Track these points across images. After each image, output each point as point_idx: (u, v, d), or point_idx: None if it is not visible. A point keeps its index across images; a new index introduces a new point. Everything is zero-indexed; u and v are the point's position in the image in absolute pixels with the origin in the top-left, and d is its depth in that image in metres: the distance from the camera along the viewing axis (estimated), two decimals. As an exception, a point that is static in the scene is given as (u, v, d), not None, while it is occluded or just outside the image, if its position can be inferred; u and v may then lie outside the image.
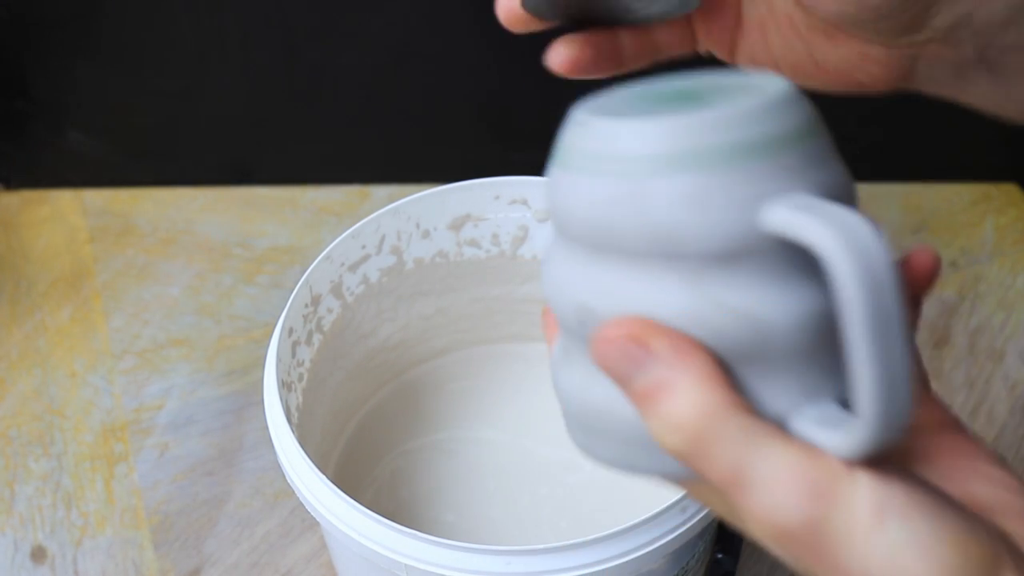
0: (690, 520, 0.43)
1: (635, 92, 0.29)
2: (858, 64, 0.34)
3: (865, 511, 0.25)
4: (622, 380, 0.27)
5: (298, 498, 0.46)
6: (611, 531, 0.42)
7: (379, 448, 0.61)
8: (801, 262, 0.26)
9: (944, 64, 0.33)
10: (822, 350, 0.27)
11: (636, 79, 0.31)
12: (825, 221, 0.24)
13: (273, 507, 0.61)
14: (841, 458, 0.25)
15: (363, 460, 0.60)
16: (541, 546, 0.41)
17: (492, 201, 0.57)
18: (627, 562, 0.42)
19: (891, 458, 0.27)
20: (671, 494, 0.43)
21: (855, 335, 0.24)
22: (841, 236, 0.24)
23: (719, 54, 0.38)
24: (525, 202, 0.57)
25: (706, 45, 0.38)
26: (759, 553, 0.59)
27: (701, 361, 0.26)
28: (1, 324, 0.71)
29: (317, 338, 0.55)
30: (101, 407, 0.66)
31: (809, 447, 0.26)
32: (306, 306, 0.53)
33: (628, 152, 0.26)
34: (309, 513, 0.45)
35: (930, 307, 0.72)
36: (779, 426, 0.26)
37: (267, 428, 0.47)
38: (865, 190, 0.85)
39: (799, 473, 0.25)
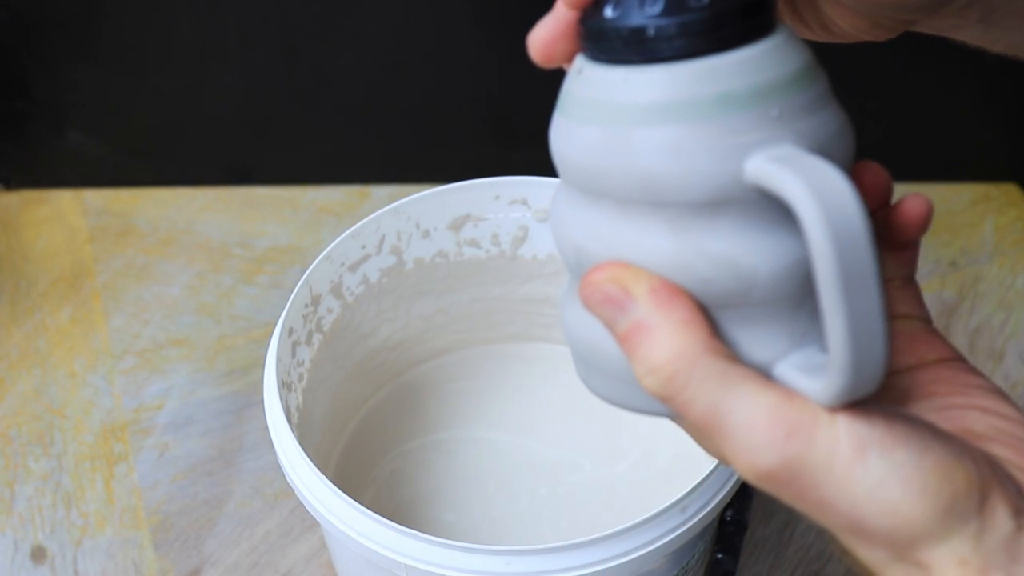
0: (690, 520, 0.43)
1: None
2: (868, 31, 0.34)
3: (845, 447, 0.25)
4: (607, 322, 0.28)
5: (298, 498, 0.46)
6: (611, 531, 0.42)
7: (379, 448, 0.61)
8: (787, 213, 0.26)
9: (945, 23, 0.33)
10: (808, 298, 0.27)
11: None
12: (798, 173, 0.24)
13: (273, 507, 0.61)
14: (819, 404, 0.26)
15: (363, 460, 0.60)
16: (541, 546, 0.41)
17: (492, 201, 0.57)
18: (627, 562, 0.42)
19: (883, 396, 0.27)
20: (671, 494, 0.43)
21: (825, 288, 0.24)
22: (813, 188, 0.24)
23: None
24: (525, 202, 0.57)
25: None
26: (759, 553, 0.59)
27: (681, 305, 0.27)
28: (1, 324, 0.71)
29: (317, 338, 0.55)
30: (101, 407, 0.66)
31: (788, 391, 0.26)
32: (306, 306, 0.53)
33: (615, 101, 0.26)
34: (309, 513, 0.45)
35: (930, 307, 0.71)
36: (761, 372, 0.27)
37: (267, 428, 0.47)
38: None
39: (776, 414, 0.26)
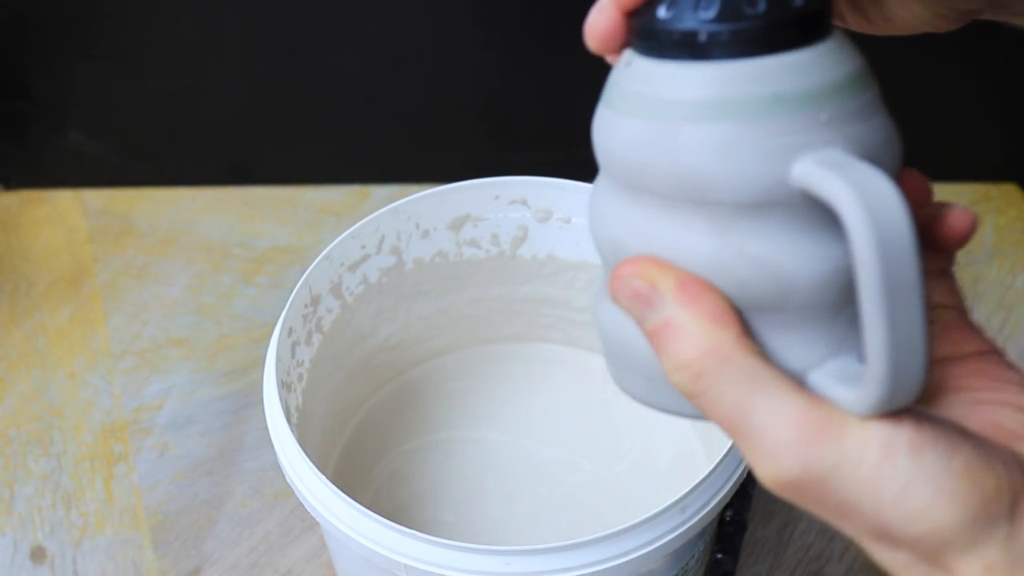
0: (690, 520, 0.43)
1: None
2: (931, 21, 0.33)
3: (874, 449, 0.25)
4: (636, 318, 0.28)
5: (298, 498, 0.46)
6: (611, 531, 0.42)
7: (379, 448, 0.61)
8: (831, 218, 0.25)
9: (1008, 12, 0.32)
10: (846, 307, 0.26)
11: None
12: (846, 178, 0.24)
13: (273, 507, 0.61)
14: (852, 413, 0.25)
15: (363, 460, 0.60)
16: (541, 546, 0.41)
17: (492, 201, 0.57)
18: (627, 562, 0.42)
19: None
20: (671, 494, 0.43)
21: (867, 297, 0.24)
22: (861, 195, 0.23)
23: None
24: (525, 202, 0.57)
25: None
26: (759, 553, 0.59)
27: (710, 302, 0.26)
28: (1, 324, 0.71)
29: (317, 338, 0.55)
30: (101, 407, 0.66)
31: (818, 398, 0.26)
32: (306, 306, 0.53)
33: (664, 96, 0.26)
34: (309, 513, 0.45)
35: (930, 307, 0.71)
36: (795, 378, 0.26)
37: (267, 428, 0.47)
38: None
39: (804, 417, 0.25)
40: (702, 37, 0.26)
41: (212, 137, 0.78)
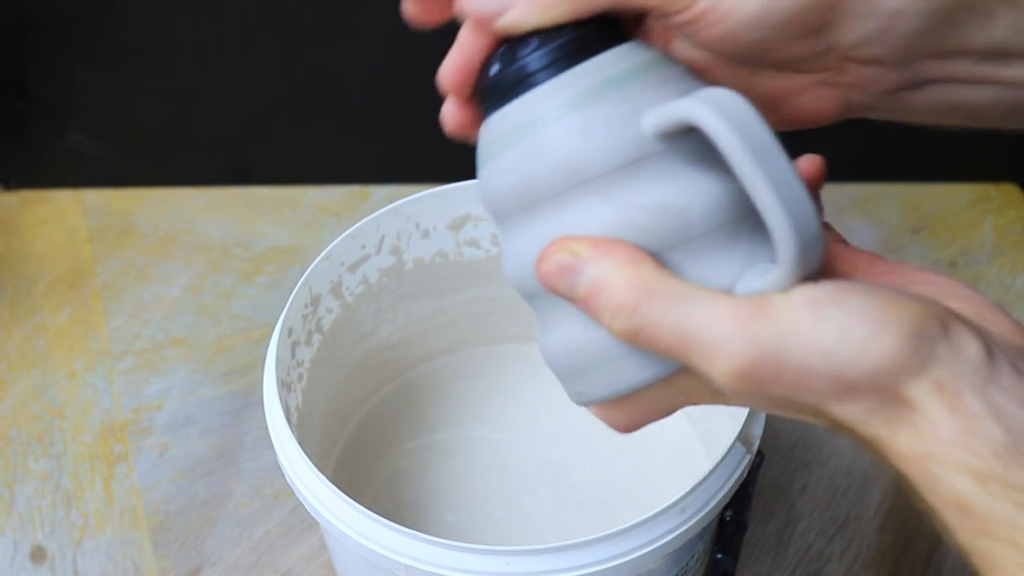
0: (690, 520, 0.43)
1: None
2: (786, 97, 0.35)
3: (802, 310, 0.27)
4: (569, 294, 0.30)
5: (298, 498, 0.46)
6: (611, 531, 0.42)
7: (379, 448, 0.61)
8: (696, 152, 0.30)
9: (875, 90, 0.34)
10: (745, 221, 0.30)
11: None
12: (687, 97, 0.28)
13: (273, 507, 0.61)
14: (775, 294, 0.28)
15: (363, 460, 0.60)
16: (541, 546, 0.41)
17: (492, 201, 0.57)
18: (627, 562, 0.42)
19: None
20: (671, 494, 0.43)
21: (744, 173, 0.27)
22: (706, 99, 0.28)
23: None
24: (525, 202, 0.57)
25: None
26: (759, 553, 0.59)
27: (623, 250, 0.29)
28: (1, 324, 0.71)
29: (317, 338, 0.55)
30: (101, 407, 0.66)
31: (743, 296, 0.29)
32: (306, 306, 0.53)
33: (520, 121, 0.31)
34: (309, 513, 0.45)
35: (930, 307, 0.71)
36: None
37: (267, 428, 0.47)
38: (865, 190, 0.85)
39: (736, 306, 0.28)
40: (531, 67, 0.31)
41: (212, 137, 0.78)
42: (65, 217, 0.77)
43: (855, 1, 0.31)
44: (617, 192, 0.30)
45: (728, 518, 0.55)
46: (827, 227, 0.33)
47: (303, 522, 0.60)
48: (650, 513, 0.42)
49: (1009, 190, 0.79)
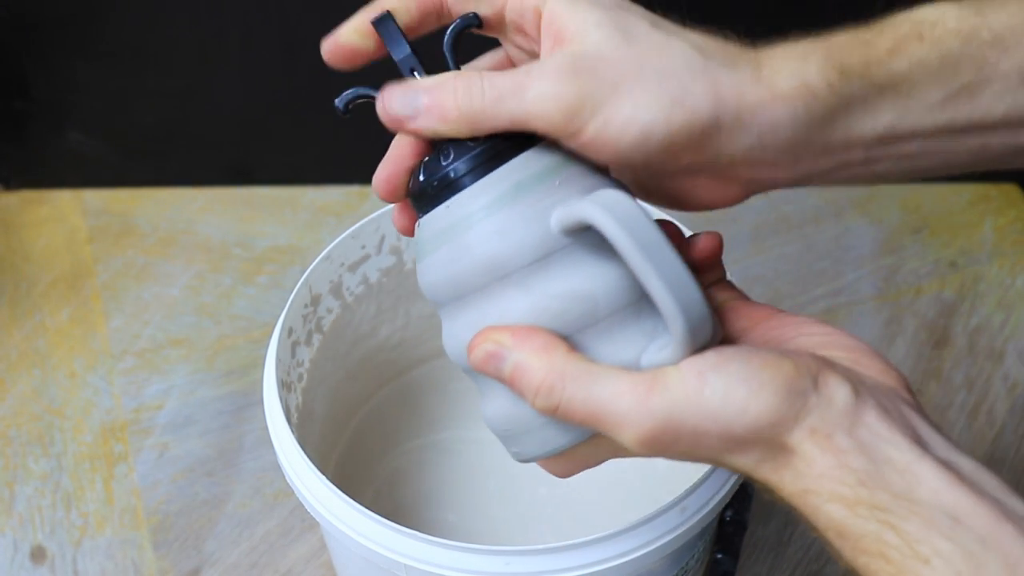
0: (690, 520, 0.43)
1: None
2: (690, 191, 0.37)
3: (691, 379, 0.32)
4: (497, 376, 0.34)
5: (298, 498, 0.46)
6: (611, 531, 0.42)
7: (379, 448, 0.61)
8: (598, 243, 0.33)
9: (771, 183, 0.37)
10: (645, 299, 0.34)
11: None
12: (586, 200, 0.33)
13: (273, 507, 0.61)
14: (668, 367, 0.32)
15: (363, 460, 0.60)
16: (541, 546, 0.41)
17: (492, 201, 0.57)
18: (627, 562, 0.42)
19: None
20: (671, 494, 0.43)
21: (635, 266, 0.31)
22: (598, 201, 0.32)
23: None
24: (525, 202, 0.57)
25: None
26: (759, 553, 0.59)
27: (539, 338, 0.33)
28: (1, 324, 0.71)
29: (317, 338, 0.55)
30: (101, 407, 0.66)
31: (643, 371, 0.33)
32: (306, 306, 0.53)
33: (447, 223, 0.35)
34: (309, 513, 0.45)
35: (930, 307, 0.72)
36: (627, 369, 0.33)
37: (267, 428, 0.47)
38: (865, 190, 0.85)
39: (635, 382, 0.32)
40: (451, 176, 0.35)
41: (212, 137, 0.78)
42: (65, 217, 0.77)
43: (729, 119, 0.34)
44: (532, 283, 0.34)
45: (728, 518, 0.55)
46: (729, 285, 0.38)
47: (303, 522, 0.60)
48: (650, 513, 0.42)
49: (1009, 190, 0.79)
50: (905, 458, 0.30)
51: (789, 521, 0.60)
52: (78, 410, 0.66)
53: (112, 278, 0.74)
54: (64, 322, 0.71)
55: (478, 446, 0.61)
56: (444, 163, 0.35)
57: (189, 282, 0.73)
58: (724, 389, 0.31)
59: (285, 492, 0.61)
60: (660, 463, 0.59)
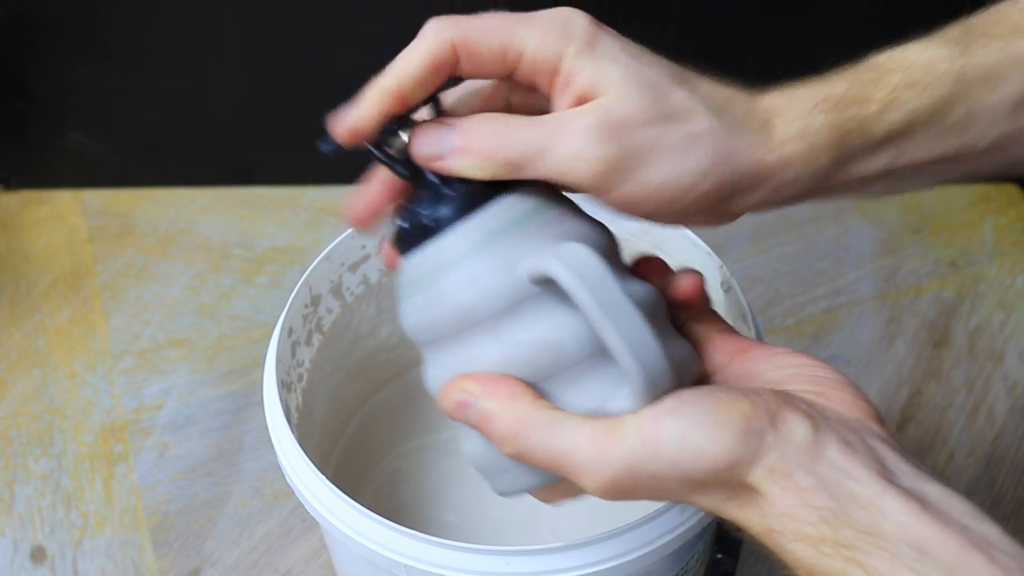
0: (690, 520, 0.43)
1: None
2: (693, 222, 0.38)
3: (647, 425, 0.32)
4: (468, 423, 0.35)
5: (298, 498, 0.46)
6: (611, 531, 0.42)
7: (379, 448, 0.61)
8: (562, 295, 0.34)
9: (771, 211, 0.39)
10: None
11: None
12: (548, 255, 0.33)
13: (273, 507, 0.61)
14: (627, 416, 0.33)
15: (363, 460, 0.60)
16: (541, 546, 0.41)
17: (492, 201, 0.57)
18: (627, 562, 0.42)
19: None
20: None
21: (594, 321, 0.32)
22: (562, 257, 0.33)
23: None
24: (525, 202, 0.57)
25: None
26: (759, 553, 0.59)
27: (505, 386, 0.34)
28: (1, 324, 0.71)
29: (317, 338, 0.55)
30: (101, 407, 0.66)
31: (604, 419, 0.33)
32: (306, 306, 0.53)
33: (421, 272, 0.36)
34: (309, 513, 0.45)
35: (930, 307, 0.72)
36: (592, 415, 0.34)
37: (267, 428, 0.47)
38: (865, 190, 0.83)
39: (594, 431, 0.33)
40: (426, 222, 0.36)
41: (212, 137, 0.78)
42: (65, 217, 0.77)
43: (746, 183, 0.35)
44: (502, 331, 0.34)
45: (728, 518, 0.55)
46: (712, 315, 0.38)
47: (303, 522, 0.60)
48: (650, 513, 0.42)
49: (1009, 190, 0.79)
50: (868, 492, 0.30)
51: (789, 521, 0.60)
52: (78, 410, 0.66)
53: (112, 278, 0.74)
54: (64, 322, 0.71)
55: (478, 446, 0.61)
56: (421, 209, 0.36)
57: (189, 282, 0.73)
58: (680, 433, 0.32)
59: (285, 492, 0.61)
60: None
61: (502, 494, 0.38)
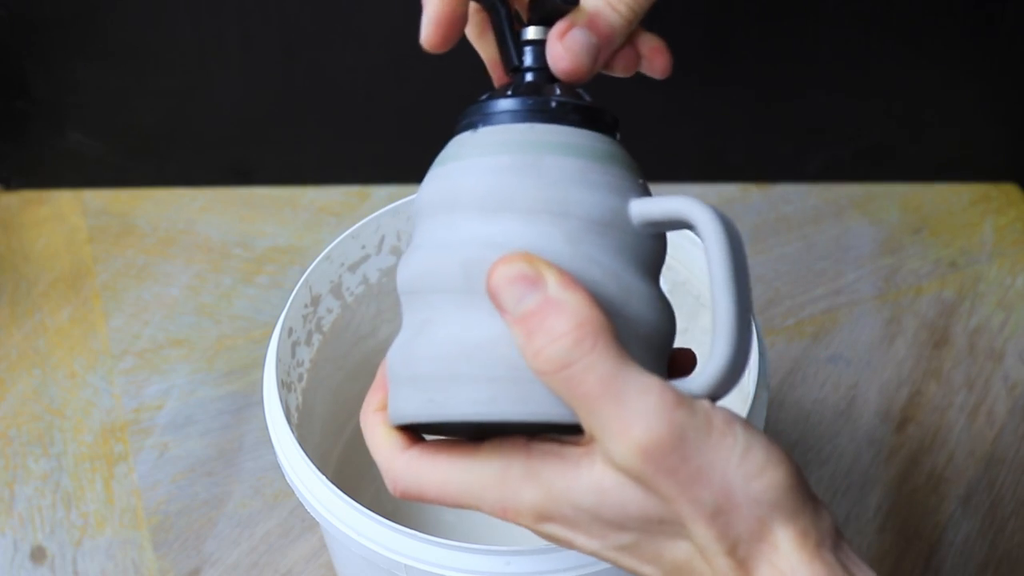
0: (690, 520, 0.43)
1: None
2: None
3: (719, 419, 0.30)
4: (509, 304, 0.30)
5: (298, 498, 0.46)
6: (611, 531, 0.42)
7: (379, 448, 0.61)
8: (646, 255, 0.33)
9: None
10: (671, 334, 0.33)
11: None
12: (696, 201, 0.31)
13: (273, 507, 0.61)
14: (701, 394, 0.31)
15: (363, 460, 0.60)
16: (541, 546, 0.41)
17: (492, 201, 0.57)
18: (627, 562, 0.42)
19: None
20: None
21: (720, 287, 0.30)
22: (711, 209, 0.31)
23: None
24: (525, 202, 0.57)
25: None
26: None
27: (586, 292, 0.30)
28: (1, 324, 0.71)
29: (317, 338, 0.55)
30: (101, 407, 0.66)
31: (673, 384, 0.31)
32: (306, 306, 0.53)
33: (524, 139, 0.33)
34: (309, 513, 0.45)
35: (930, 307, 0.72)
36: None
37: (267, 428, 0.47)
38: (865, 190, 0.85)
39: (664, 387, 0.30)
40: (555, 104, 0.34)
41: (212, 137, 0.78)
42: (65, 217, 0.77)
43: None
44: (581, 239, 0.32)
45: (728, 518, 0.55)
46: None
47: (303, 522, 0.60)
48: (650, 513, 0.42)
49: (1009, 190, 0.79)
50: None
51: (789, 521, 0.60)
52: (78, 410, 0.66)
53: (112, 278, 0.74)
54: (64, 322, 0.71)
55: (478, 446, 0.61)
56: (550, 95, 0.34)
57: (189, 282, 0.73)
58: (746, 444, 0.30)
59: (285, 492, 0.61)
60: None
61: (436, 412, 0.32)
